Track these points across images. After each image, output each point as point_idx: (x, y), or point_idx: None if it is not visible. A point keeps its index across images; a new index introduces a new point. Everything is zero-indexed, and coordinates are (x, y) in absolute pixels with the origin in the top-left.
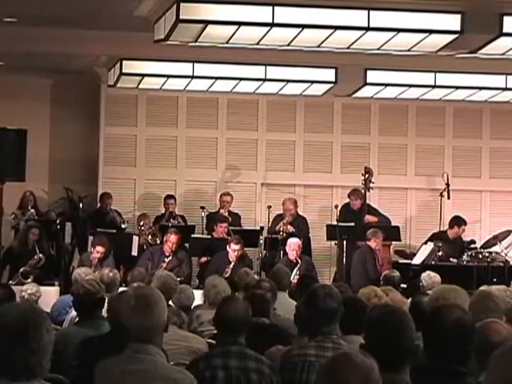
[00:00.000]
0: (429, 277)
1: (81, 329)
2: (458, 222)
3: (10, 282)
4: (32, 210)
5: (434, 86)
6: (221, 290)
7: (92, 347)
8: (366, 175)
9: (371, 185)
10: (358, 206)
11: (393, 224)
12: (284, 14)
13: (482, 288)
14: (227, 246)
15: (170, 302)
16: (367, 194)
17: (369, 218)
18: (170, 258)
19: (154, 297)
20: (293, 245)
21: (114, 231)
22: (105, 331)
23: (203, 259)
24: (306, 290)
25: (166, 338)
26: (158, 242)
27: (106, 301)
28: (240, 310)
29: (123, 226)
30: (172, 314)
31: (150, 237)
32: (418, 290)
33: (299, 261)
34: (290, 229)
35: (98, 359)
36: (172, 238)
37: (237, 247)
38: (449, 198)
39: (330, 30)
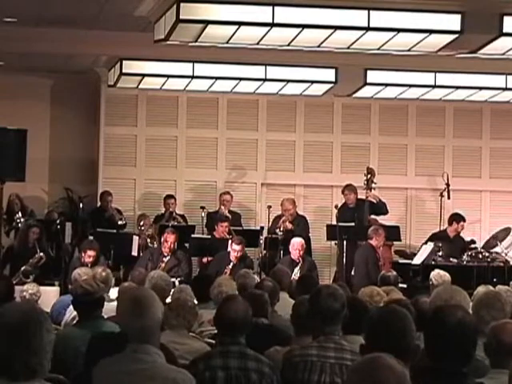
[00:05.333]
0: (439, 275)
1: (80, 330)
2: (456, 218)
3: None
4: (19, 213)
5: (434, 86)
6: (224, 290)
7: (101, 344)
8: (368, 175)
9: (373, 185)
10: (353, 200)
11: (392, 224)
12: (284, 13)
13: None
14: (229, 246)
15: (168, 300)
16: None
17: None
18: (169, 257)
19: (148, 298)
20: (296, 244)
21: (114, 231)
22: (107, 331)
23: (205, 260)
24: (305, 290)
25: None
26: (156, 245)
27: None
28: (240, 310)
29: (120, 222)
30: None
31: (148, 240)
32: (422, 289)
33: (301, 260)
34: (289, 226)
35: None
36: (170, 238)
37: (238, 248)
38: (449, 198)
39: (330, 30)
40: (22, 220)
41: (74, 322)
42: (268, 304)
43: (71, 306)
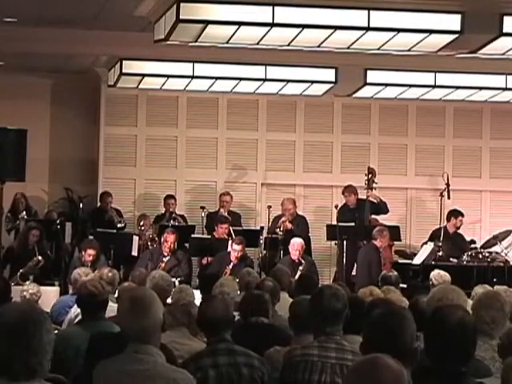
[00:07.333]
0: (439, 275)
1: (83, 330)
2: (454, 214)
3: (10, 282)
4: (23, 213)
5: (434, 86)
6: (226, 290)
7: (101, 344)
8: (369, 175)
9: (374, 185)
10: (354, 201)
11: (393, 224)
12: (284, 13)
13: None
14: (229, 246)
15: (169, 300)
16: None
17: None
18: (168, 257)
19: (148, 297)
20: (296, 245)
21: (114, 231)
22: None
23: (204, 261)
24: (304, 290)
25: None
26: (156, 246)
27: None
28: (219, 308)
29: (119, 225)
30: (181, 314)
31: (149, 243)
32: (422, 289)
33: (302, 261)
34: (289, 226)
35: (109, 356)
36: (170, 238)
37: (238, 248)
38: (449, 198)
39: (330, 30)
40: (25, 218)
41: (77, 319)
42: (269, 304)
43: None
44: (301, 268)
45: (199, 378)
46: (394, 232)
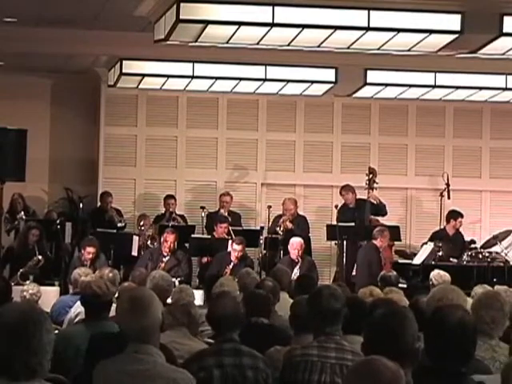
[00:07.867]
0: (439, 275)
1: (85, 329)
2: (453, 215)
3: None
4: (21, 213)
5: (434, 86)
6: (226, 290)
7: (101, 344)
8: (370, 175)
9: (375, 185)
10: (352, 200)
11: (392, 224)
12: (284, 13)
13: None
14: (229, 246)
15: (169, 300)
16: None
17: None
18: (168, 257)
19: (147, 297)
20: (295, 244)
21: (114, 231)
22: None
23: (204, 260)
24: (304, 290)
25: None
26: (156, 245)
27: None
28: (229, 306)
29: (119, 224)
30: (181, 314)
31: (149, 241)
32: (422, 289)
33: (300, 260)
34: (290, 225)
35: (108, 356)
36: (169, 238)
37: (238, 248)
38: (449, 198)
39: (330, 30)
40: (24, 218)
41: (77, 319)
42: (271, 304)
43: (76, 304)
44: (297, 268)
45: (203, 378)
46: (394, 232)
